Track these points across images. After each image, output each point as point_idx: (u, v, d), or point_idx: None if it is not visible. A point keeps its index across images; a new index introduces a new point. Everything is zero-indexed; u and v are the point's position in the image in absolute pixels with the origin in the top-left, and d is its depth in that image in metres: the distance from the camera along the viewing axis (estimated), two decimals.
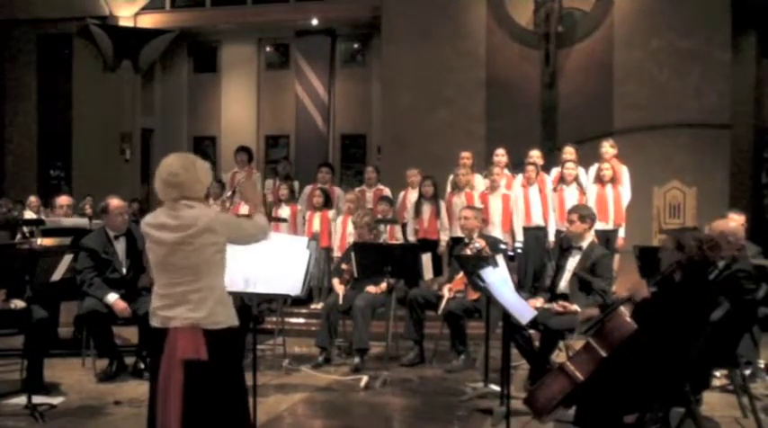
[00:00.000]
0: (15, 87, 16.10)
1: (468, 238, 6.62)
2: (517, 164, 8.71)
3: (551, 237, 8.15)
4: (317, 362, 6.40)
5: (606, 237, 7.78)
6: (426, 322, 6.63)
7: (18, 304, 5.40)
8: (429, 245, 7.96)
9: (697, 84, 10.76)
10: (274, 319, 7.52)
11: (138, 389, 5.39)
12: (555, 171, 8.58)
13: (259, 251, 3.79)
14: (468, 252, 6.33)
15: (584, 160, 8.44)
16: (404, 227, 8.38)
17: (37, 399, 4.91)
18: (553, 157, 9.38)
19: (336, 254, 8.11)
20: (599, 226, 7.09)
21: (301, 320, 8.09)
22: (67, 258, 5.99)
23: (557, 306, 5.60)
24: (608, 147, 8.22)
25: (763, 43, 12.84)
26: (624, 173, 8.27)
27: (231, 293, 3.54)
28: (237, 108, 16.34)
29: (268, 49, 16.48)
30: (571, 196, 8.03)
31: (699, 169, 10.31)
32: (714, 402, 5.19)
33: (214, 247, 3.25)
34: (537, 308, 5.27)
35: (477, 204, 7.97)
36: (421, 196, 8.33)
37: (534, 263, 8.12)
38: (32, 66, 16.10)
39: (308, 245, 4.44)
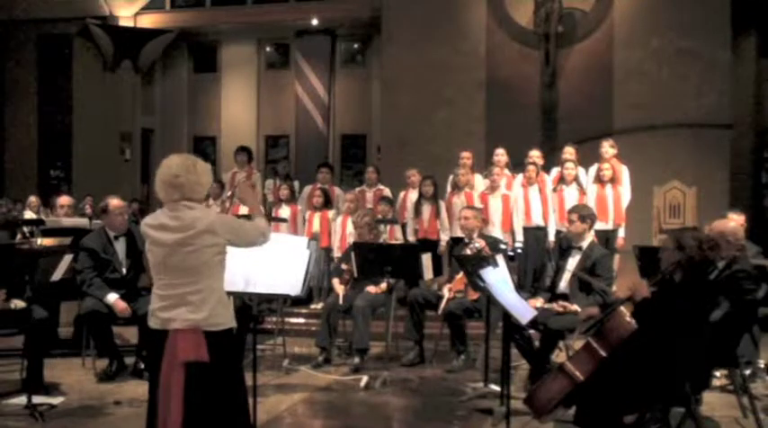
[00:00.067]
0: (15, 87, 16.12)
1: (468, 238, 6.62)
2: (517, 165, 8.71)
3: (551, 237, 8.15)
4: (317, 362, 6.40)
5: (606, 237, 7.79)
6: (426, 322, 6.63)
7: (18, 304, 5.39)
8: (429, 245, 7.96)
9: (697, 84, 10.76)
10: (274, 319, 7.52)
11: (138, 389, 5.38)
12: (555, 171, 8.57)
13: (259, 251, 3.78)
14: (468, 252, 6.33)
15: (585, 160, 8.44)
16: (404, 227, 8.38)
17: (37, 399, 4.90)
18: (553, 157, 9.38)
19: (336, 254, 8.11)
20: (599, 226, 7.09)
21: (301, 320, 8.09)
22: (67, 258, 5.99)
23: (557, 306, 5.61)
24: (608, 147, 8.22)
25: (763, 43, 12.85)
26: (624, 173, 8.27)
27: (231, 293, 3.54)
28: (237, 108, 16.35)
29: (268, 49, 16.49)
30: (571, 196, 8.03)
31: (699, 169, 10.30)
32: (714, 402, 5.19)
33: (214, 249, 3.25)
34: (537, 308, 5.27)
35: (477, 204, 7.97)
36: (421, 196, 8.33)
37: (534, 263, 8.12)
38: (32, 67, 16.12)
39: (308, 245, 4.44)
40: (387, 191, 8.86)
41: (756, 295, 4.86)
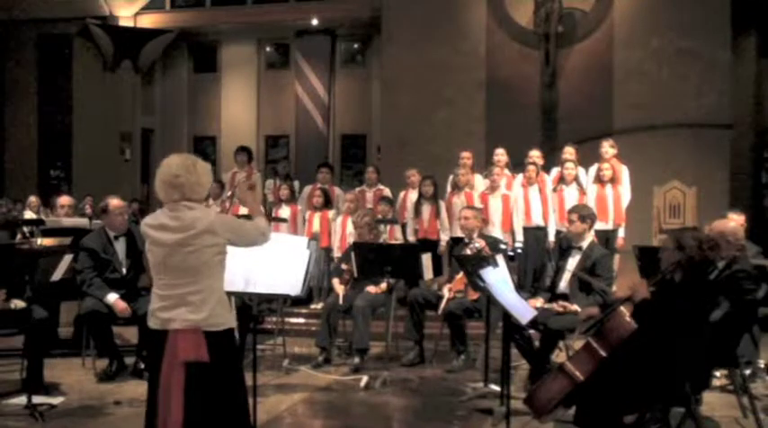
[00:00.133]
0: (15, 87, 16.13)
1: (468, 238, 6.62)
2: (517, 165, 8.71)
3: (551, 237, 8.15)
4: (317, 362, 6.40)
5: (606, 237, 7.78)
6: (426, 322, 6.63)
7: (18, 304, 5.39)
8: (429, 245, 7.96)
9: (697, 84, 10.76)
10: (274, 319, 7.52)
11: (138, 389, 5.37)
12: (555, 171, 8.57)
13: (259, 251, 3.78)
14: (468, 252, 6.33)
15: (585, 160, 8.44)
16: (404, 227, 8.38)
17: (37, 399, 4.90)
18: (553, 157, 9.38)
19: (336, 254, 8.11)
20: (599, 226, 7.09)
21: (301, 320, 8.09)
22: (67, 258, 5.99)
23: (557, 306, 5.61)
24: (608, 147, 8.22)
25: (763, 43, 12.85)
26: (624, 173, 8.27)
27: (231, 293, 3.54)
28: (237, 108, 16.35)
29: (268, 49, 16.50)
30: (571, 196, 8.03)
31: (699, 169, 10.30)
32: (714, 402, 5.19)
33: (214, 249, 3.25)
34: (537, 308, 5.27)
35: (477, 204, 7.97)
36: (421, 196, 8.33)
37: (534, 263, 8.12)
38: (32, 67, 16.12)
39: (308, 245, 4.44)
40: (387, 191, 8.86)
41: (756, 295, 4.86)
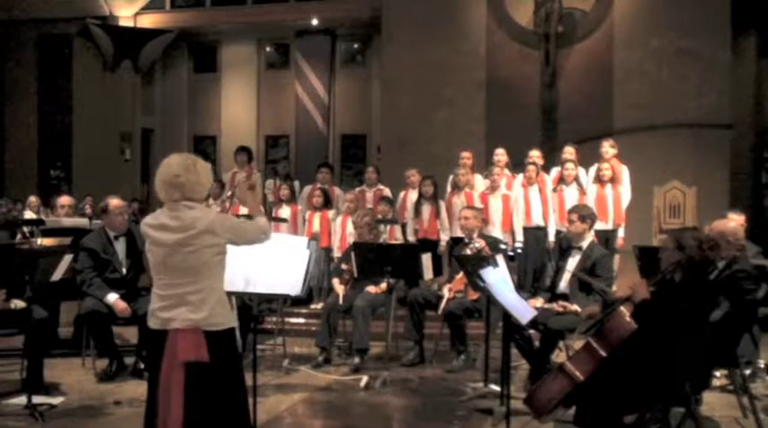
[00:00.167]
0: (15, 87, 16.13)
1: (468, 238, 6.62)
2: (517, 165, 8.71)
3: (551, 237, 8.15)
4: (317, 362, 6.40)
5: (606, 237, 7.78)
6: (426, 322, 6.62)
7: (18, 304, 5.39)
8: (429, 245, 7.96)
9: (697, 84, 10.76)
10: (274, 319, 7.52)
11: (138, 389, 5.37)
12: (555, 171, 8.58)
13: (259, 251, 3.79)
14: (468, 252, 6.33)
15: (585, 160, 8.44)
16: (404, 227, 8.38)
17: (37, 399, 4.90)
18: (553, 157, 9.39)
19: (336, 254, 8.11)
20: (599, 226, 7.09)
21: (301, 320, 8.09)
22: (67, 258, 5.99)
23: (557, 306, 5.61)
24: (608, 147, 8.22)
25: (763, 43, 12.85)
26: (624, 173, 8.27)
27: (231, 293, 3.54)
28: (237, 108, 16.35)
29: (268, 49, 16.50)
30: (571, 196, 8.03)
31: (699, 169, 10.30)
32: (714, 402, 5.19)
33: (214, 249, 3.25)
34: (537, 308, 5.27)
35: (477, 204, 7.97)
36: (421, 196, 8.33)
37: (534, 263, 8.12)
38: (32, 67, 16.13)
39: (308, 245, 4.44)
40: (387, 191, 8.86)
41: (756, 295, 4.85)
